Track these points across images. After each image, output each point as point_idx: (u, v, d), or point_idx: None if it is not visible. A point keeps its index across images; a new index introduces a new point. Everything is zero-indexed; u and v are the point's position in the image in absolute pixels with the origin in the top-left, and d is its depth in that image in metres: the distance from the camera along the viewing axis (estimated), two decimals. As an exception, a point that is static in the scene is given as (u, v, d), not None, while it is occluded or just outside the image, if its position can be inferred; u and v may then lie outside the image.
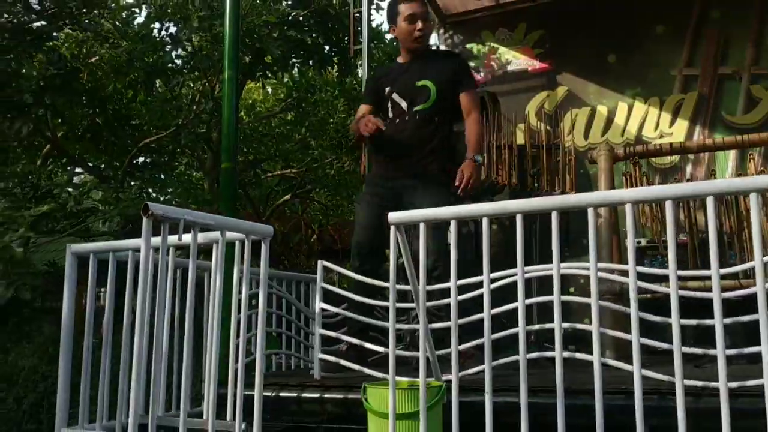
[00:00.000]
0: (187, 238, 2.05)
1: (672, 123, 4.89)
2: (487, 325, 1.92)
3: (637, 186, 3.71)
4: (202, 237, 2.19)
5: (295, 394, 2.62)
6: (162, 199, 8.14)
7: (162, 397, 2.41)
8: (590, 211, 1.84)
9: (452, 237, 2.00)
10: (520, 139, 4.94)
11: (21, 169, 5.72)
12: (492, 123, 4.53)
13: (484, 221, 1.96)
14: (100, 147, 7.04)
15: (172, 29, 5.89)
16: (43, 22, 5.31)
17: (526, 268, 2.10)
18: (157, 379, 2.05)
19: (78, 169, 7.95)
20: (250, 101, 9.97)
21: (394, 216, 2.05)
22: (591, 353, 2.18)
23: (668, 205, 1.76)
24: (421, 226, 2.02)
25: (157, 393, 2.02)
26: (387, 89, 3.25)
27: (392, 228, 2.06)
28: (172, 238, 2.08)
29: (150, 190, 7.82)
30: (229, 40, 3.24)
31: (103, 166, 7.71)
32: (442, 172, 3.15)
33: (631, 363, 2.13)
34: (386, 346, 2.81)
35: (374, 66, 5.74)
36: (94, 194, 5.37)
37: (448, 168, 3.15)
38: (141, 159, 7.60)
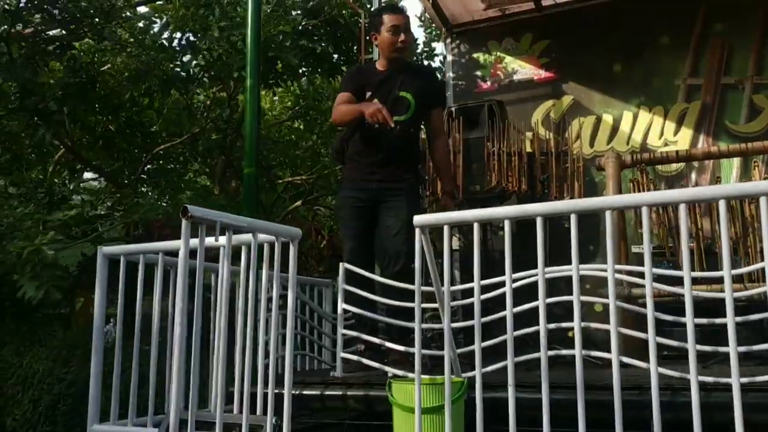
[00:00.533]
0: (221, 240, 2.15)
1: (676, 132, 4.99)
2: (509, 322, 2.02)
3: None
4: (233, 239, 2.28)
5: (318, 392, 2.71)
6: (177, 204, 8.22)
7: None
8: (608, 214, 1.94)
9: (475, 239, 2.10)
10: (528, 146, 5.04)
11: (36, 175, 5.83)
12: (501, 131, 4.64)
13: (506, 223, 2.06)
14: (113, 154, 7.14)
15: (191, 38, 6.00)
16: (63, 32, 5.42)
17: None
18: (195, 377, 2.15)
19: (87, 175, 8.04)
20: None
21: (419, 219, 2.15)
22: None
23: (682, 207, 1.87)
24: (446, 228, 2.12)
25: (195, 390, 2.11)
26: (368, 94, 3.28)
27: (417, 231, 2.15)
28: (205, 240, 2.17)
29: (160, 195, 7.90)
30: (251, 50, 3.36)
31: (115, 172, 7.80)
32: (416, 180, 3.42)
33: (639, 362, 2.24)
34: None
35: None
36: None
37: (419, 176, 3.50)
38: (153, 166, 7.69)
